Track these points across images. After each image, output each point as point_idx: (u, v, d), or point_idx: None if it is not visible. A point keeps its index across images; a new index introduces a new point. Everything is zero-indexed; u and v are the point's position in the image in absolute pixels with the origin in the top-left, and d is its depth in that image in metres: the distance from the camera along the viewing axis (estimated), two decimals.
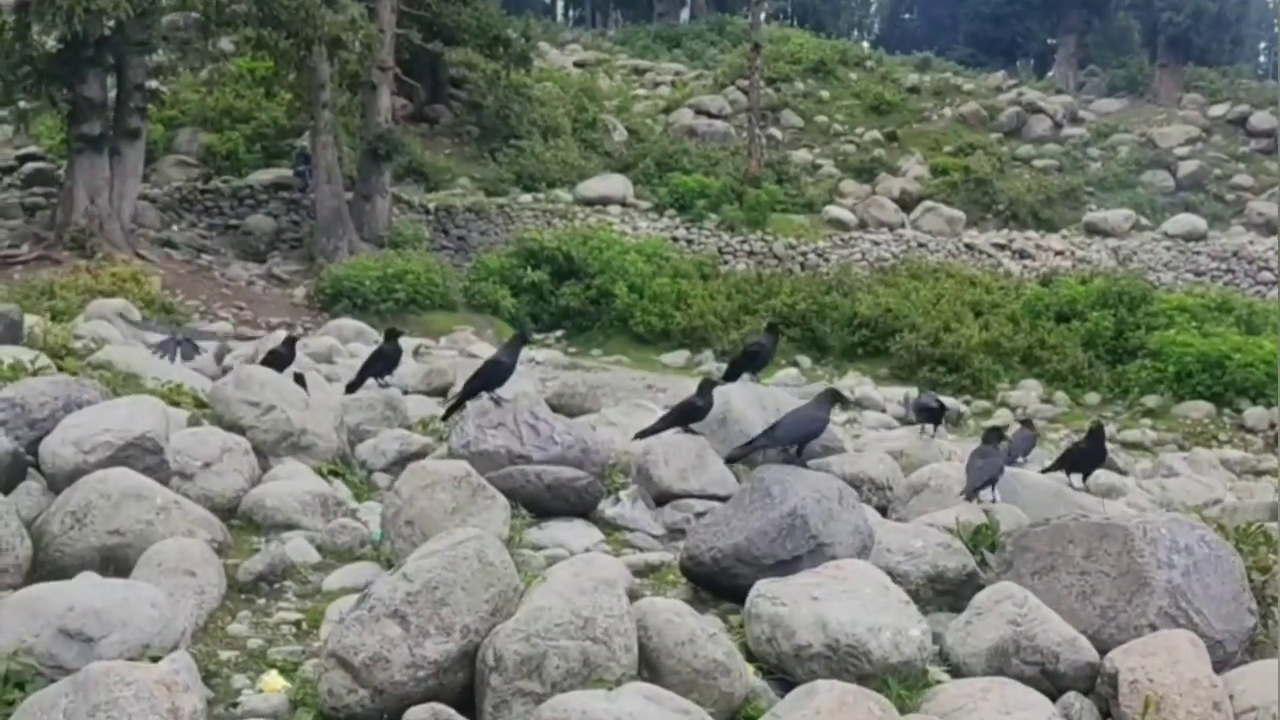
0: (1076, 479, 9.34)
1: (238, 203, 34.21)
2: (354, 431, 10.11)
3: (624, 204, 35.99)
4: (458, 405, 9.35)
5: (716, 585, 6.86)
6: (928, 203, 37.68)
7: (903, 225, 36.79)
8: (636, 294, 30.86)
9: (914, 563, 7.17)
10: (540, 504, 8.35)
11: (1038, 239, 36.80)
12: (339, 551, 7.27)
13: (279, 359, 13.04)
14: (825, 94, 45.70)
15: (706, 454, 8.84)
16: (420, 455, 9.44)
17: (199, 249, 32.73)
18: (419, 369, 18.04)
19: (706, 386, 9.31)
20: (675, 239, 34.82)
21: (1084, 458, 9.31)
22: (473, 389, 9.32)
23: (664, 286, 31.05)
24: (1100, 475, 11.96)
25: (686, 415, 9.18)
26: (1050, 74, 53.29)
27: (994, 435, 9.06)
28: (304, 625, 6.30)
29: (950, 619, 6.57)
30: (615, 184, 36.49)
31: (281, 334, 18.07)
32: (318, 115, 31.04)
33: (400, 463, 9.43)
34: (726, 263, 34.44)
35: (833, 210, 37.00)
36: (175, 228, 33.52)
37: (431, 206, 34.34)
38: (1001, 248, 36.20)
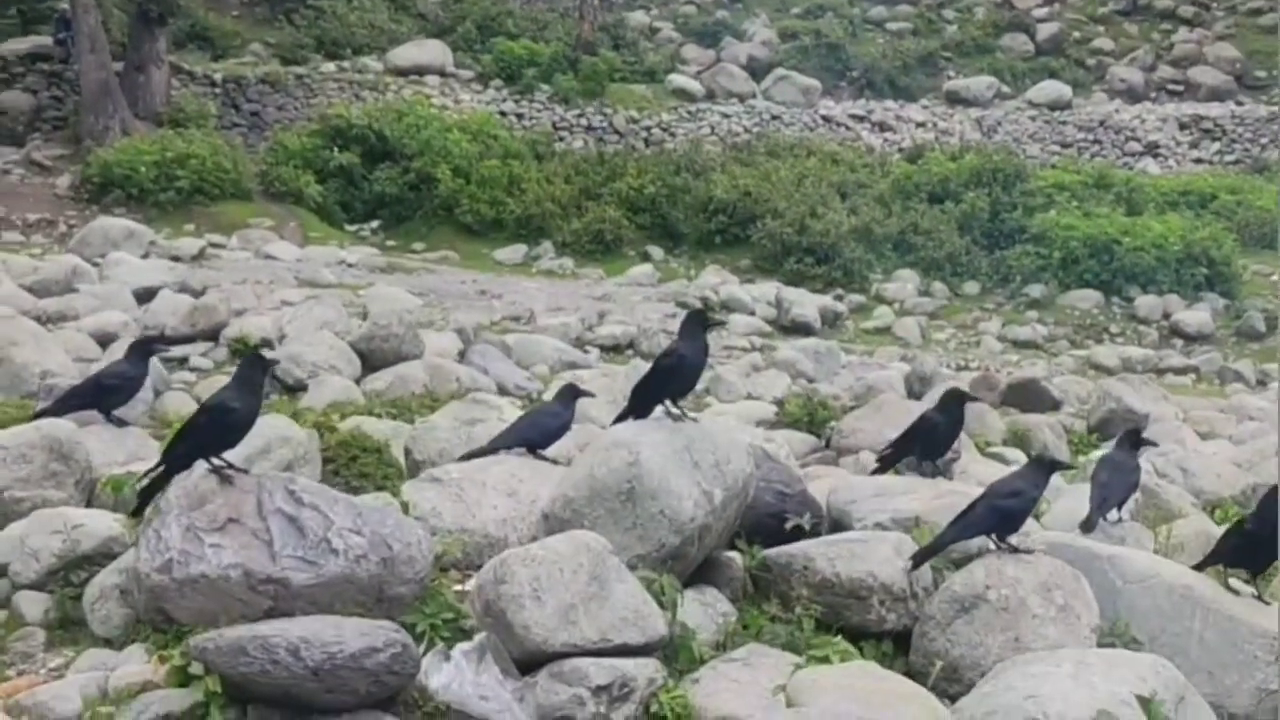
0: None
1: None
2: None
3: (443, 74, 31.07)
4: (160, 481, 5.16)
5: None
6: (779, 70, 33.58)
7: (754, 95, 32.67)
8: (462, 178, 26.43)
9: None
10: (304, 699, 4.30)
11: (897, 109, 33.17)
12: None
13: None
14: None
15: (607, 569, 4.85)
16: (100, 559, 5.25)
17: None
18: (180, 303, 13.49)
19: None
20: (504, 114, 30.13)
21: (1256, 548, 5.58)
22: (183, 453, 5.13)
23: (493, 169, 26.65)
24: None
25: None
26: None
27: (1131, 439, 7.25)
28: None
29: None
30: (432, 51, 31.48)
31: None
32: None
33: (63, 573, 5.23)
34: (562, 140, 30.00)
35: (676, 79, 32.66)
36: None
37: (218, 78, 29.09)
38: (860, 119, 32.49)
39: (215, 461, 5.06)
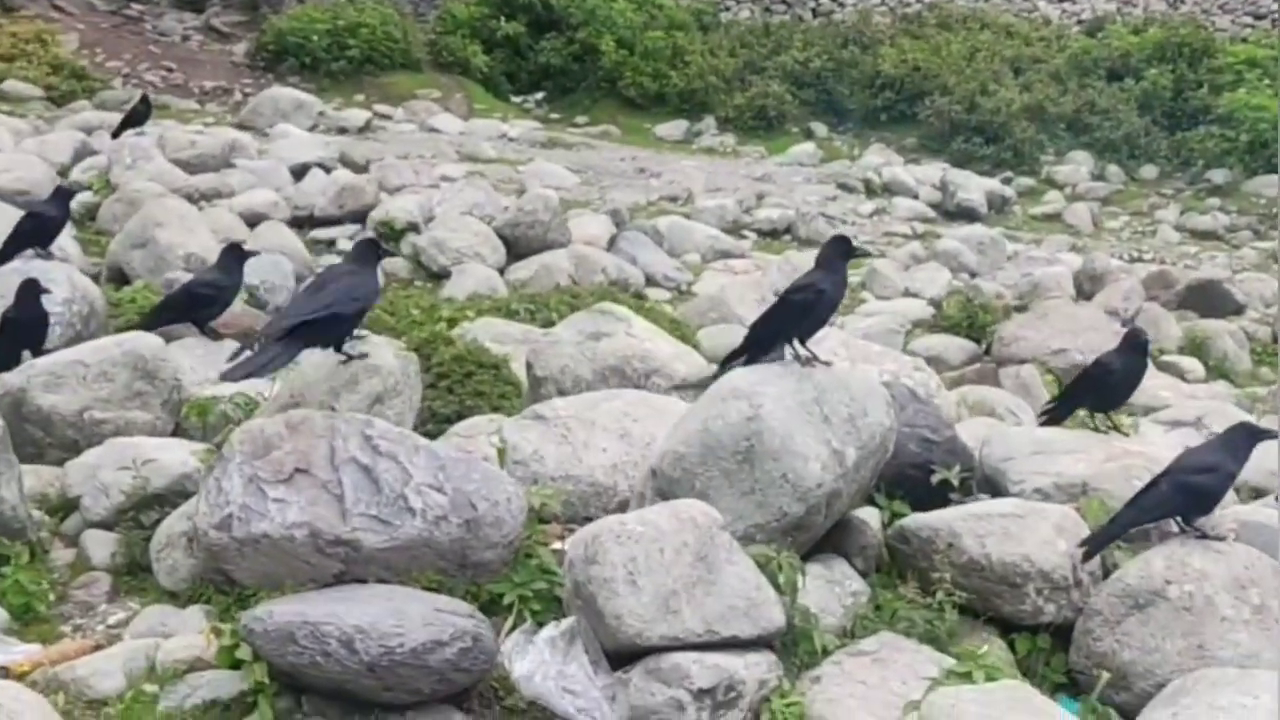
0: None
1: None
2: (76, 426, 5.26)
3: None
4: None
5: None
6: None
7: None
8: (626, 50, 25.20)
9: None
10: (360, 695, 3.63)
11: None
12: None
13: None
14: None
15: (715, 548, 4.05)
16: (172, 498, 4.65)
17: None
18: (328, 183, 12.91)
19: None
20: None
21: None
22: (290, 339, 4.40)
23: (657, 40, 25.33)
24: None
25: None
26: None
27: None
28: None
29: None
30: None
31: None
32: None
33: (133, 512, 4.65)
34: (728, 10, 28.47)
35: None
36: None
37: None
38: None
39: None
